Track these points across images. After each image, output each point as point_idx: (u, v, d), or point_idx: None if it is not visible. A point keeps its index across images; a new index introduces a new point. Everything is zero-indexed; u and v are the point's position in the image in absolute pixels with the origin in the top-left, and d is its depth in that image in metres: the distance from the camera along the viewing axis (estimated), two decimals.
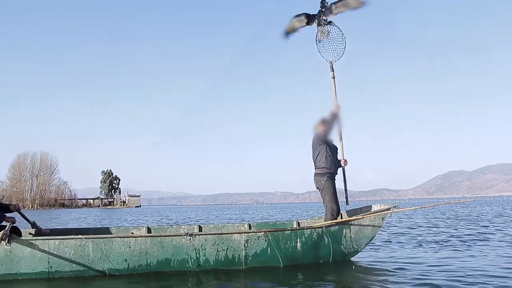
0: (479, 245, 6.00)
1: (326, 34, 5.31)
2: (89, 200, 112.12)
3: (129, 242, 4.36)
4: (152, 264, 4.38)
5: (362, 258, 5.17)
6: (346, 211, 5.37)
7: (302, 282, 4.08)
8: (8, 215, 4.55)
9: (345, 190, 5.28)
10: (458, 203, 4.95)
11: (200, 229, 5.56)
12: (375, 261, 5.06)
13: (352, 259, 4.97)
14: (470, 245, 6.01)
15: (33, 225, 5.15)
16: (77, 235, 5.05)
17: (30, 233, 5.08)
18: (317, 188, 5.19)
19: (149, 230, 5.50)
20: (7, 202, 5.02)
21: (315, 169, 5.20)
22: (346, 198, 5.28)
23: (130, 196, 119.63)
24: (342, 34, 5.31)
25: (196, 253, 4.44)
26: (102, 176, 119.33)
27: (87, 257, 4.29)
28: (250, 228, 5.61)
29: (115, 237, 4.38)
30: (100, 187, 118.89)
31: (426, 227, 9.93)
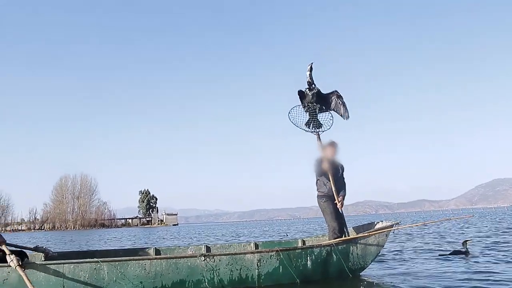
0: None
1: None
2: (127, 219, 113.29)
3: (144, 265, 4.36)
4: (167, 286, 4.38)
5: (371, 272, 5.41)
6: (353, 227, 5.60)
7: None
8: None
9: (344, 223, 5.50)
10: (459, 218, 5.21)
11: (208, 249, 5.60)
12: (383, 275, 5.30)
13: (360, 274, 5.17)
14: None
15: (36, 249, 5.02)
16: (85, 257, 5.01)
17: (43, 257, 4.98)
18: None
19: (157, 252, 5.49)
20: None
21: (316, 191, 5.56)
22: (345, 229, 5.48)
23: (168, 214, 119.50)
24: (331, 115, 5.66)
25: (210, 274, 4.49)
26: (140, 196, 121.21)
27: (102, 281, 4.25)
28: (257, 247, 5.71)
29: (130, 260, 4.37)
30: (138, 207, 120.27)
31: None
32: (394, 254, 7.54)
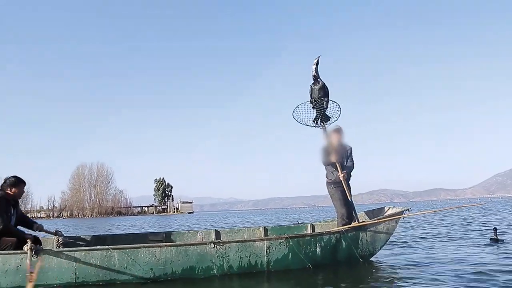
0: None
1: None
2: (143, 207, 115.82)
3: (154, 252, 4.41)
4: (177, 272, 4.44)
5: (380, 258, 5.41)
6: (364, 212, 5.56)
7: (323, 284, 4.23)
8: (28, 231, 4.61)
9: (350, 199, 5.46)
10: (470, 206, 5.12)
11: (217, 233, 5.64)
12: (392, 261, 5.29)
13: (369, 260, 5.17)
14: None
15: (55, 233, 5.15)
16: (97, 242, 5.12)
17: (55, 242, 5.13)
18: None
19: (167, 235, 5.55)
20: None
21: (326, 177, 5.54)
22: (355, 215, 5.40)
23: (183, 202, 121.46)
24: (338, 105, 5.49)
25: (220, 261, 4.53)
26: (155, 184, 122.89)
27: (113, 267, 4.32)
28: (266, 231, 5.74)
29: (140, 247, 4.43)
30: (154, 195, 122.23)
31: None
32: (404, 241, 7.53)
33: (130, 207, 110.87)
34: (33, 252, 4.11)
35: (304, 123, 5.56)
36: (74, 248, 4.40)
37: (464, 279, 4.08)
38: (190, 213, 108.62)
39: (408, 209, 5.14)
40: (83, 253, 4.28)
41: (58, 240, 5.15)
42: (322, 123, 5.47)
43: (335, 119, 5.48)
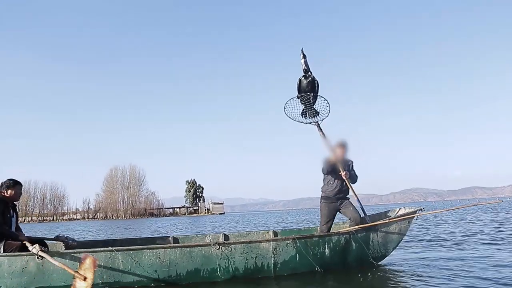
0: None
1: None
2: (175, 208, 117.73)
3: (159, 254, 4.36)
4: (181, 275, 4.38)
5: (391, 261, 5.18)
6: (370, 216, 5.37)
7: (332, 287, 4.06)
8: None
9: (358, 202, 5.29)
10: (487, 204, 4.85)
11: (226, 237, 5.56)
12: (406, 264, 5.07)
13: (381, 263, 4.96)
14: None
15: (57, 238, 5.17)
16: (104, 246, 5.10)
17: (63, 247, 5.13)
18: None
19: (175, 240, 5.51)
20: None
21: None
22: (362, 210, 5.25)
23: (214, 203, 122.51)
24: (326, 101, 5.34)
25: (225, 262, 4.44)
26: (187, 186, 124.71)
27: (117, 269, 4.29)
28: (275, 235, 5.61)
29: (144, 249, 4.39)
30: (185, 196, 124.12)
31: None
32: (417, 242, 7.28)
33: (162, 208, 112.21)
34: (38, 254, 4.14)
35: (296, 119, 5.42)
36: (78, 250, 4.41)
37: (485, 284, 3.85)
38: (221, 214, 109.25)
39: (421, 209, 4.91)
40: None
41: (67, 245, 5.19)
42: (311, 118, 5.32)
43: (326, 115, 5.33)
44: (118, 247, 4.43)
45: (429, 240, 7.61)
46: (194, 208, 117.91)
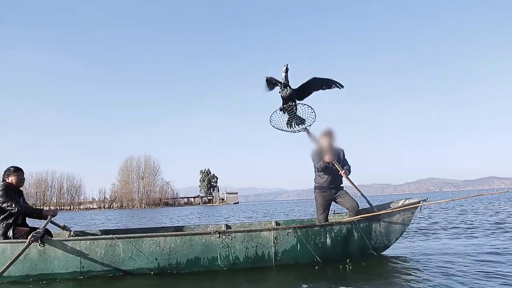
0: None
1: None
2: (190, 198, 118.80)
3: (159, 241, 4.37)
4: (182, 263, 4.38)
5: (394, 251, 5.12)
6: (375, 206, 5.29)
7: (333, 278, 4.01)
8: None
9: (362, 195, 5.20)
10: (491, 194, 4.73)
11: (228, 228, 5.55)
12: (409, 254, 5.00)
13: (383, 253, 4.89)
14: None
15: (64, 227, 5.25)
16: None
17: (67, 235, 5.20)
18: None
19: (178, 230, 5.52)
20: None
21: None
22: (367, 201, 5.19)
23: (228, 193, 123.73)
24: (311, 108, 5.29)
25: (225, 251, 4.42)
26: (201, 175, 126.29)
27: (118, 257, 4.32)
28: (278, 225, 5.57)
29: (144, 237, 4.41)
30: (200, 186, 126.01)
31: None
32: (421, 233, 7.19)
33: (176, 198, 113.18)
34: (39, 242, 4.19)
35: (284, 129, 5.41)
36: (79, 238, 4.45)
37: (487, 275, 3.76)
38: (235, 203, 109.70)
39: (425, 199, 4.81)
40: (88, 243, 4.31)
41: (70, 234, 5.25)
42: (298, 126, 5.32)
43: (313, 120, 5.28)
44: (119, 235, 4.45)
45: (433, 230, 7.52)
46: (209, 197, 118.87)
